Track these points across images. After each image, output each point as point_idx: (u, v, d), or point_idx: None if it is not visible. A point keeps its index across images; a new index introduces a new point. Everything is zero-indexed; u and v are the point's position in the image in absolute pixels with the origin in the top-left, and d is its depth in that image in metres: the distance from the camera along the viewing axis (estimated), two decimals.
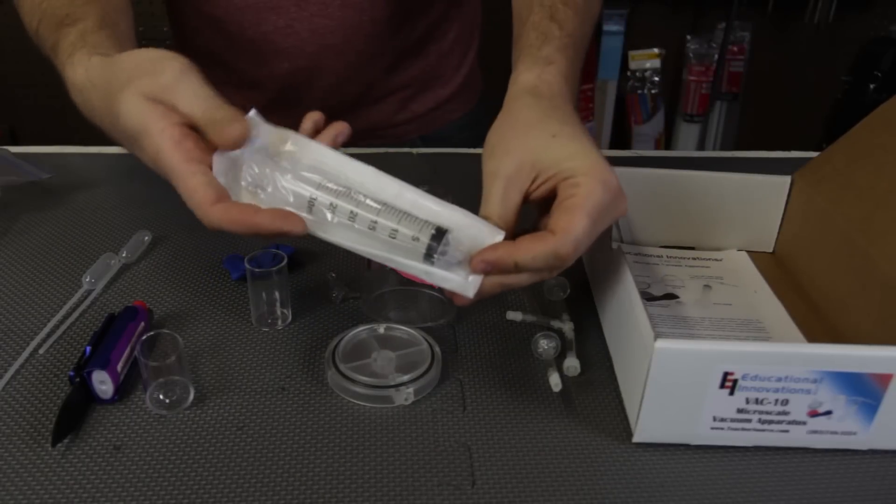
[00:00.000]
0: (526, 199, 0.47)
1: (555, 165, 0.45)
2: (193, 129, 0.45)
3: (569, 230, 0.43)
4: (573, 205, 0.44)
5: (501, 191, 0.46)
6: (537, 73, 0.51)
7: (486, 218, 0.46)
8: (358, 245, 0.45)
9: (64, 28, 0.54)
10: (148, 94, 0.44)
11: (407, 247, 0.44)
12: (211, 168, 0.44)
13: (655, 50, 2.33)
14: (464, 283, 0.45)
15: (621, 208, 0.46)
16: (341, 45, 0.80)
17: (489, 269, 0.44)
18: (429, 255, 0.44)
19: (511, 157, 0.46)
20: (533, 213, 0.49)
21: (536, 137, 0.47)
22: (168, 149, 0.43)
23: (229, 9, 0.77)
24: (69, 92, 0.52)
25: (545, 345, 0.53)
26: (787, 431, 0.45)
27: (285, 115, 0.89)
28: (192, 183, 0.43)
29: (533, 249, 0.43)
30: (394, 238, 0.44)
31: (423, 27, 0.85)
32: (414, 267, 0.45)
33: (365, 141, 0.91)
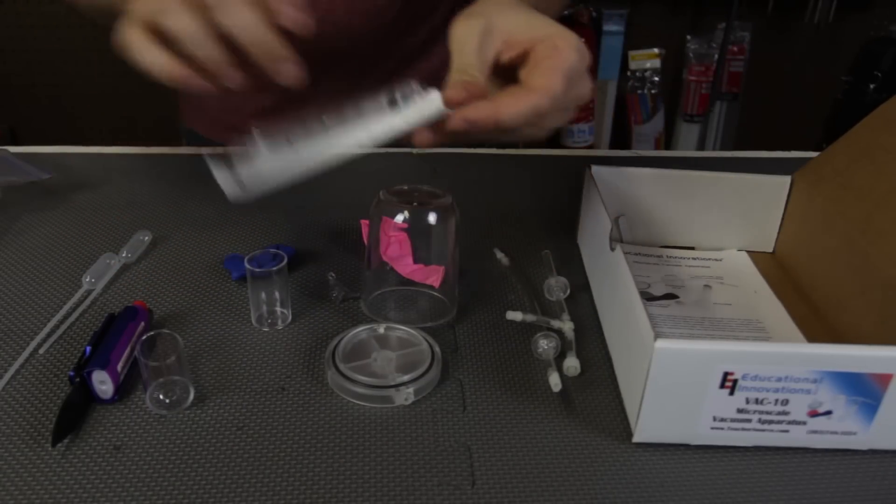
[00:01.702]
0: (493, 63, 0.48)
1: (528, 31, 0.48)
2: None
3: (549, 88, 0.45)
4: (552, 65, 0.46)
5: (476, 44, 0.47)
6: None
7: (461, 69, 0.46)
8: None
9: None
10: None
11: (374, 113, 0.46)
12: None
13: (655, 50, 2.34)
14: (435, 100, 0.46)
15: (588, 84, 0.48)
16: (346, 50, 0.80)
17: (469, 129, 0.45)
18: (392, 102, 0.46)
19: (483, 19, 0.48)
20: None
21: (509, 12, 0.49)
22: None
23: None
24: None
25: (545, 345, 0.53)
26: (787, 431, 0.45)
27: (291, 116, 0.89)
28: None
29: (515, 106, 0.45)
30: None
31: (427, 31, 0.85)
32: (387, 122, 0.46)
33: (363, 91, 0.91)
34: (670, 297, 0.62)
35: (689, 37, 2.33)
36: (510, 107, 0.45)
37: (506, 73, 0.49)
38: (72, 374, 0.47)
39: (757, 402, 0.44)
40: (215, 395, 0.49)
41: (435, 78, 0.95)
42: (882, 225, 0.54)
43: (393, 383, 0.49)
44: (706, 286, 0.63)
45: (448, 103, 0.46)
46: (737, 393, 0.44)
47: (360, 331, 0.54)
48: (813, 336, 0.57)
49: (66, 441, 0.45)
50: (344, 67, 0.82)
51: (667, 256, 0.68)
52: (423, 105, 0.47)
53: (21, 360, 0.51)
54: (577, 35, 0.48)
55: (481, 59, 0.47)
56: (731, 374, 0.43)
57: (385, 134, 0.47)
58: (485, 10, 0.50)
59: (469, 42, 0.48)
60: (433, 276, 0.56)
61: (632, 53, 2.33)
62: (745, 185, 0.66)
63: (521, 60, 0.48)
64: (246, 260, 0.54)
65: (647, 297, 0.61)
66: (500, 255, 0.66)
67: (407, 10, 0.79)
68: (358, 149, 0.48)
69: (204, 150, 0.47)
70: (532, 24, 0.48)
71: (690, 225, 0.68)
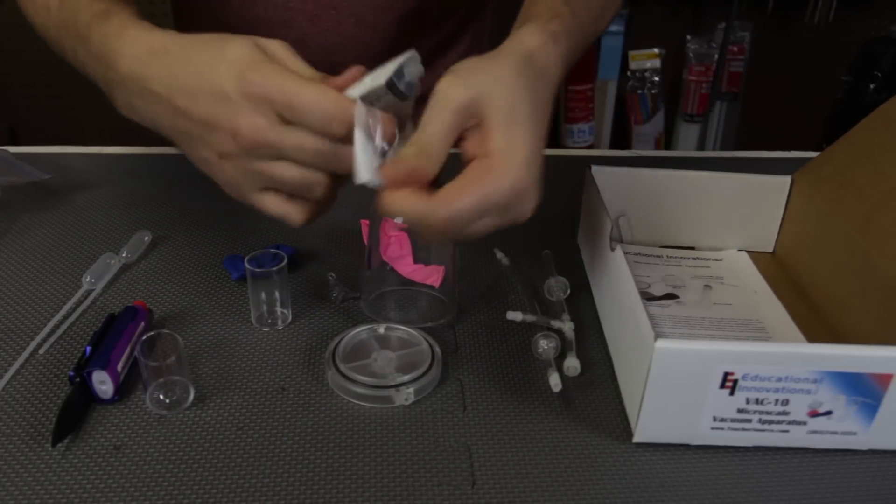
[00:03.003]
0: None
1: (493, 130, 0.43)
2: None
3: (448, 202, 0.42)
4: (467, 184, 0.43)
5: (449, 124, 0.44)
6: (541, 43, 0.49)
7: (421, 148, 0.44)
8: None
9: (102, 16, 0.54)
10: (251, 44, 0.47)
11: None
12: None
13: (655, 50, 2.33)
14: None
15: (523, 210, 0.44)
16: (352, 62, 0.80)
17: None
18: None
19: (475, 92, 0.44)
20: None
21: (501, 95, 0.44)
22: (273, 69, 0.45)
23: (241, 21, 0.77)
24: (116, 62, 0.51)
25: (545, 345, 0.53)
26: (787, 431, 0.45)
27: None
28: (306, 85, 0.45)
29: (406, 202, 0.43)
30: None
31: (433, 44, 0.84)
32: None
33: None
34: (670, 297, 0.62)
35: (689, 37, 2.33)
36: (402, 202, 0.43)
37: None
38: (72, 374, 0.47)
39: (757, 402, 0.44)
40: (215, 395, 0.49)
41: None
42: (882, 225, 0.54)
43: (393, 383, 0.49)
44: (706, 286, 0.63)
45: (385, 177, 0.44)
46: (737, 393, 0.44)
47: (360, 331, 0.53)
48: (813, 336, 0.57)
49: (66, 441, 0.45)
50: None
51: (667, 256, 0.68)
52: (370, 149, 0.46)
53: (21, 360, 0.51)
54: (532, 164, 0.43)
55: (446, 144, 0.44)
56: (732, 374, 0.43)
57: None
58: (488, 74, 0.45)
59: (444, 117, 0.44)
60: (433, 276, 0.56)
61: (632, 53, 2.33)
62: (745, 185, 0.66)
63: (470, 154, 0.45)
64: (246, 260, 0.54)
65: (647, 297, 0.61)
66: (500, 255, 0.66)
67: (414, 22, 0.79)
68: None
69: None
70: (504, 124, 0.43)
71: (690, 225, 0.68)
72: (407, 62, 0.46)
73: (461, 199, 0.42)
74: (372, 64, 0.75)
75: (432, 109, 0.44)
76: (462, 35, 0.87)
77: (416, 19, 0.79)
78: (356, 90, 0.46)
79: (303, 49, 0.85)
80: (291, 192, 0.48)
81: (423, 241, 0.46)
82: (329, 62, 0.80)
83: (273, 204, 0.48)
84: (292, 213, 0.49)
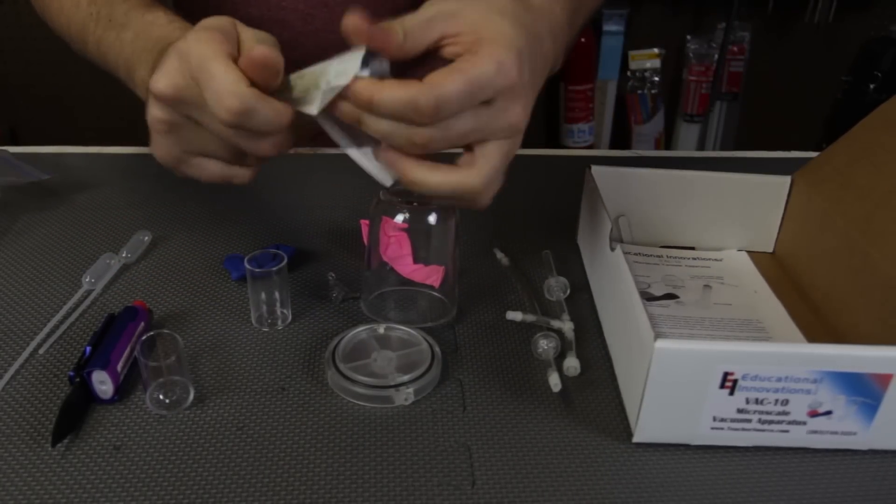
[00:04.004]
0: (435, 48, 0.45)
1: (475, 31, 0.43)
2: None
3: (436, 84, 0.41)
4: (456, 67, 0.42)
5: (428, 16, 0.43)
6: None
7: (396, 27, 0.43)
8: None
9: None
10: (221, 22, 0.47)
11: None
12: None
13: (655, 50, 2.33)
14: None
15: (513, 110, 0.44)
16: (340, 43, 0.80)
17: (349, 96, 0.43)
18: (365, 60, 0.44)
19: (457, 3, 0.44)
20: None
21: (478, 4, 0.44)
22: (202, 40, 0.44)
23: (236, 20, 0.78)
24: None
25: (545, 345, 0.53)
26: (787, 431, 0.45)
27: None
28: (219, 64, 0.43)
29: (394, 90, 0.41)
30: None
31: None
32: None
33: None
34: (670, 297, 0.62)
35: (689, 37, 2.33)
36: (389, 90, 0.41)
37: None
38: (72, 374, 0.47)
39: (757, 402, 0.44)
40: (215, 395, 0.49)
41: None
42: (882, 225, 0.54)
43: (393, 383, 0.49)
44: (706, 286, 0.63)
45: (347, 28, 0.43)
46: (737, 393, 0.44)
47: (360, 331, 0.53)
48: (813, 336, 0.57)
49: (66, 441, 0.45)
50: None
51: (667, 256, 0.68)
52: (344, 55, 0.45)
53: (21, 360, 0.51)
54: (520, 51, 0.43)
55: (425, 28, 0.43)
56: (731, 374, 0.43)
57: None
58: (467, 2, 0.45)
59: (424, 12, 0.44)
60: (433, 276, 0.56)
61: (632, 53, 2.33)
62: (745, 185, 0.66)
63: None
64: (246, 260, 0.54)
65: (647, 297, 0.61)
66: (500, 255, 0.66)
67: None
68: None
69: (349, 150, 0.47)
70: (486, 23, 0.43)
71: (690, 225, 0.68)
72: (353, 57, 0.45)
73: (449, 80, 0.41)
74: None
75: (419, 12, 0.44)
76: None
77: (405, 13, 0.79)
78: (315, 106, 0.44)
79: (297, 48, 0.86)
80: (225, 160, 0.48)
81: (413, 147, 0.44)
82: (322, 60, 0.80)
83: (213, 169, 0.48)
84: (237, 174, 0.49)
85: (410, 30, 0.44)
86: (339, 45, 0.81)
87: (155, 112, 0.47)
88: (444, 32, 0.44)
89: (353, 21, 0.43)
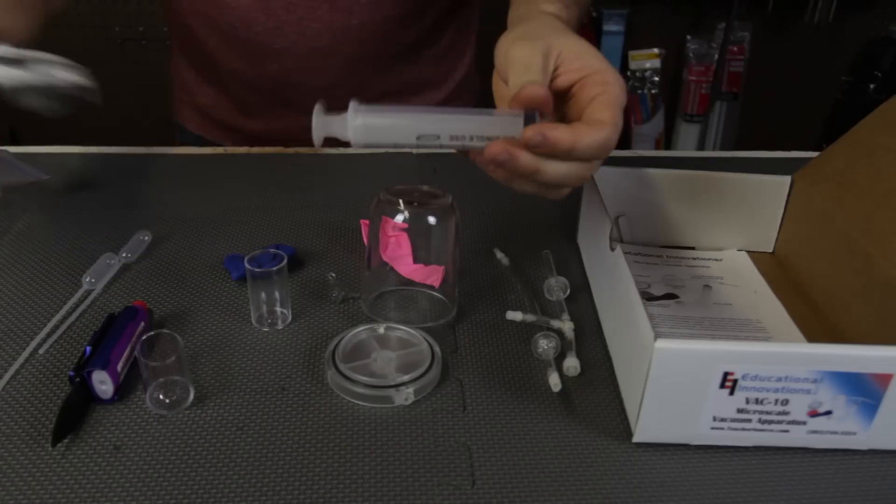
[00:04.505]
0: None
1: (577, 59, 0.48)
2: None
3: (616, 122, 0.45)
4: (609, 100, 0.46)
5: (540, 64, 0.47)
6: (559, 9, 0.54)
7: (529, 83, 0.46)
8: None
9: None
10: None
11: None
12: None
13: (655, 50, 2.33)
14: (517, 115, 0.46)
15: (614, 139, 0.48)
16: (329, 48, 0.80)
17: (541, 144, 0.44)
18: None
19: (542, 42, 0.48)
20: None
21: (563, 37, 0.49)
22: None
23: (222, 8, 0.78)
24: None
25: (545, 345, 0.53)
26: (787, 431, 0.45)
27: (278, 114, 0.89)
28: None
29: (593, 135, 0.44)
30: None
31: (416, 33, 0.84)
32: (466, 121, 0.47)
33: None
34: (670, 297, 0.62)
35: (689, 37, 2.33)
36: (588, 134, 0.44)
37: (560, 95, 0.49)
38: (72, 374, 0.47)
39: (757, 402, 0.44)
40: (215, 395, 0.49)
41: (424, 83, 0.95)
42: (882, 225, 0.54)
43: (393, 383, 0.49)
44: (706, 286, 0.63)
45: (523, 101, 0.45)
46: (737, 393, 0.44)
47: (360, 331, 0.53)
48: (813, 336, 0.57)
49: (66, 441, 0.45)
50: (328, 65, 0.81)
51: (667, 256, 0.68)
52: (504, 116, 0.46)
53: (21, 360, 0.51)
54: (617, 70, 0.48)
55: (545, 78, 0.47)
56: (732, 374, 0.43)
57: (462, 131, 0.47)
58: (539, 32, 0.50)
59: (533, 62, 0.47)
60: (433, 276, 0.56)
61: (632, 53, 2.33)
62: (745, 185, 0.66)
63: (566, 89, 0.48)
64: (246, 260, 0.54)
65: (647, 297, 0.61)
66: (500, 255, 0.66)
67: (393, 9, 0.79)
68: (439, 145, 0.47)
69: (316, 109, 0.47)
70: (586, 53, 0.48)
71: (690, 225, 0.68)
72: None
73: (615, 111, 0.46)
74: (350, 50, 0.76)
75: (519, 64, 0.47)
76: (444, 28, 0.87)
77: (393, 5, 0.79)
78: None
79: (280, 36, 0.86)
80: None
81: (578, 181, 0.47)
82: (307, 48, 0.80)
83: None
84: None
85: (547, 92, 0.46)
86: (320, 33, 0.82)
87: None
88: (554, 71, 0.48)
89: (538, 92, 0.45)
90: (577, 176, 0.47)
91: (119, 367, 0.48)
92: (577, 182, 0.47)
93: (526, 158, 0.45)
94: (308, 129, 0.46)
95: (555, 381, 0.50)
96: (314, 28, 0.78)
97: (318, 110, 0.47)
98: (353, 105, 0.46)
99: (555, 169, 0.46)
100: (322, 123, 0.47)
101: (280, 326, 0.56)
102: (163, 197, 0.76)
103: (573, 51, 0.48)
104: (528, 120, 0.45)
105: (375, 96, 0.87)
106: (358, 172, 0.82)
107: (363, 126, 0.46)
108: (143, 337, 0.48)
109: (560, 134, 0.44)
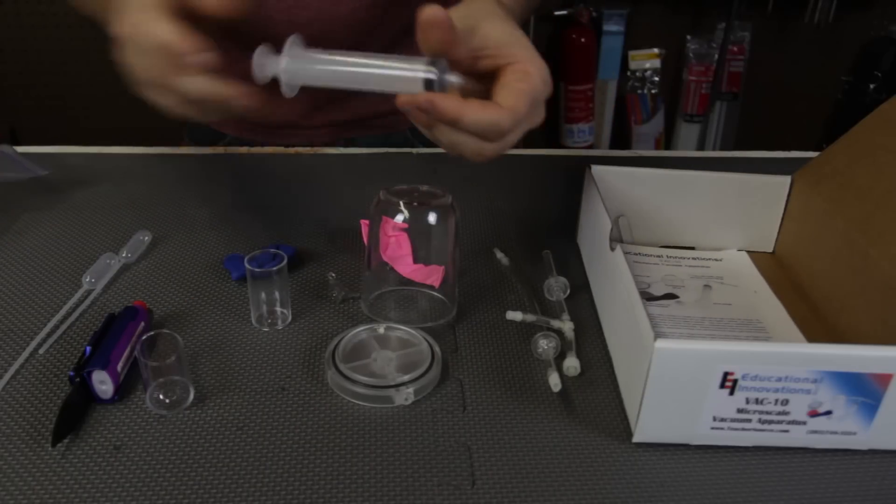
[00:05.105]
0: (467, 65, 0.49)
1: (508, 47, 0.49)
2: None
3: (515, 109, 0.46)
4: (522, 88, 0.47)
5: (461, 32, 0.48)
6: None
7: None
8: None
9: None
10: None
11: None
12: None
13: (655, 50, 2.34)
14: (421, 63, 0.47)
15: (542, 114, 0.50)
16: (319, 36, 0.80)
17: (429, 109, 0.46)
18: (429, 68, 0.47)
19: (471, 21, 0.49)
20: None
21: (496, 21, 0.50)
22: (149, 19, 0.47)
23: None
24: None
25: (545, 345, 0.53)
26: (787, 431, 0.45)
27: (273, 102, 0.89)
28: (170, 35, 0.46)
29: (481, 112, 0.46)
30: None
31: (407, 18, 0.84)
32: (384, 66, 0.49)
33: (355, 131, 0.91)
34: (670, 297, 0.62)
35: (689, 37, 2.33)
36: (475, 111, 0.46)
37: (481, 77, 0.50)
38: (72, 374, 0.47)
39: (757, 402, 0.44)
40: (215, 395, 0.49)
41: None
42: (882, 225, 0.54)
43: (393, 383, 0.49)
44: (706, 286, 0.63)
45: (417, 102, 0.46)
46: (737, 393, 0.44)
47: (360, 331, 0.53)
48: (813, 336, 0.57)
49: (66, 441, 0.45)
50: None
51: (667, 256, 0.68)
52: (410, 62, 0.48)
53: (21, 360, 0.51)
54: (545, 63, 0.49)
55: (466, 52, 0.48)
56: (731, 374, 0.43)
57: (380, 74, 0.49)
58: (472, 12, 0.51)
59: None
60: (433, 276, 0.56)
61: (632, 53, 2.33)
62: (745, 185, 0.66)
63: (491, 72, 0.49)
64: (246, 260, 0.54)
65: (647, 297, 0.61)
66: (500, 255, 0.66)
67: None
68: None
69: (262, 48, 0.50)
70: (513, 41, 0.49)
71: (690, 225, 0.68)
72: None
73: (521, 103, 0.47)
74: (340, 37, 0.76)
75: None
76: None
77: None
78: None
79: (270, 25, 0.87)
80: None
81: (477, 157, 0.49)
82: (305, 33, 0.80)
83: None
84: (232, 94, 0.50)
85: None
86: (308, 20, 0.82)
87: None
88: (475, 52, 0.49)
89: (434, 15, 0.46)
90: (472, 149, 0.48)
91: (119, 367, 0.48)
92: (472, 155, 0.49)
93: (421, 118, 0.48)
94: (303, 114, 0.47)
95: (555, 381, 0.50)
96: (304, 16, 0.78)
97: (260, 50, 0.49)
98: (286, 45, 0.49)
99: (445, 135, 0.48)
100: (261, 61, 0.49)
101: (280, 326, 0.56)
102: (163, 197, 0.76)
103: (501, 37, 0.49)
104: (436, 76, 0.47)
105: None
106: (358, 172, 0.82)
107: (289, 70, 0.49)
108: (143, 337, 0.48)
109: (446, 102, 0.46)
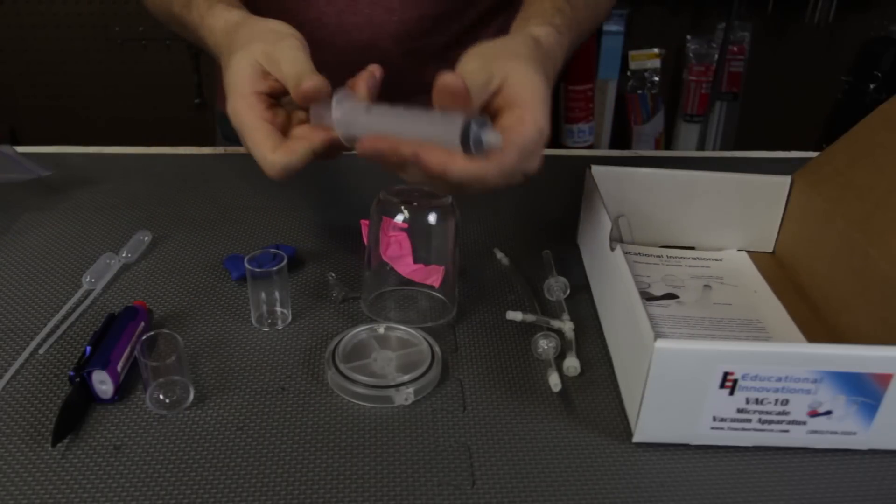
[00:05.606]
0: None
1: (513, 88, 0.49)
2: (277, 99, 0.54)
3: (501, 162, 0.46)
4: (511, 139, 0.46)
5: (481, 82, 0.48)
6: (547, 33, 0.55)
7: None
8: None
9: None
10: (258, 55, 0.53)
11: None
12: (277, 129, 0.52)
13: (655, 50, 2.33)
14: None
15: (537, 162, 0.49)
16: (367, 43, 0.80)
17: (416, 162, 0.45)
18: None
19: (491, 64, 0.49)
20: None
21: (515, 62, 0.50)
22: (242, 108, 0.52)
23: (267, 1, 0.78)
24: (203, 34, 0.62)
25: (545, 345, 0.53)
26: (787, 431, 0.45)
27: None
28: (257, 135, 0.51)
29: (466, 167, 0.45)
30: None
31: (455, 32, 0.84)
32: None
33: None
34: (670, 297, 0.62)
35: (689, 37, 2.32)
36: (461, 166, 0.45)
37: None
38: (72, 374, 0.47)
39: (757, 402, 0.44)
40: (215, 395, 0.49)
41: None
42: (882, 225, 0.54)
43: (393, 383, 0.49)
44: (706, 286, 0.63)
45: (439, 88, 0.46)
46: (737, 393, 0.44)
47: (360, 331, 0.54)
48: (813, 336, 0.57)
49: (66, 441, 0.45)
50: (366, 59, 0.82)
51: (667, 256, 0.68)
52: (441, 126, 0.47)
53: (21, 360, 0.51)
54: (547, 111, 0.49)
55: (480, 95, 0.48)
56: (731, 374, 0.43)
57: (409, 134, 0.48)
58: (501, 53, 0.51)
59: (475, 80, 0.48)
60: (433, 276, 0.56)
61: (632, 53, 2.33)
62: (745, 185, 0.66)
63: (495, 111, 0.49)
64: (246, 260, 0.54)
65: (647, 297, 0.61)
66: (500, 255, 0.66)
67: (433, 7, 0.80)
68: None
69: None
70: (526, 89, 0.49)
71: (690, 225, 0.68)
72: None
73: (508, 157, 0.46)
74: (387, 45, 0.78)
75: (466, 64, 0.50)
76: (484, 27, 0.87)
77: (433, 3, 0.79)
78: None
79: (320, 28, 0.87)
80: None
81: (472, 192, 0.49)
82: (345, 41, 0.81)
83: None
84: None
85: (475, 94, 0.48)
86: (358, 26, 0.84)
87: None
88: (490, 91, 0.49)
89: (450, 83, 0.46)
90: (448, 192, 0.51)
91: (119, 367, 0.48)
92: (447, 192, 0.51)
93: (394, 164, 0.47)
94: None
95: (555, 381, 0.50)
96: (353, 22, 0.79)
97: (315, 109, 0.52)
98: (334, 99, 0.51)
99: (417, 177, 0.48)
100: (317, 112, 0.53)
101: (280, 326, 0.56)
102: (163, 197, 0.76)
103: (516, 81, 0.49)
104: (465, 130, 0.45)
105: (412, 91, 0.87)
106: (358, 172, 0.82)
107: (341, 120, 0.51)
108: (143, 337, 0.48)
109: (433, 157, 0.45)
